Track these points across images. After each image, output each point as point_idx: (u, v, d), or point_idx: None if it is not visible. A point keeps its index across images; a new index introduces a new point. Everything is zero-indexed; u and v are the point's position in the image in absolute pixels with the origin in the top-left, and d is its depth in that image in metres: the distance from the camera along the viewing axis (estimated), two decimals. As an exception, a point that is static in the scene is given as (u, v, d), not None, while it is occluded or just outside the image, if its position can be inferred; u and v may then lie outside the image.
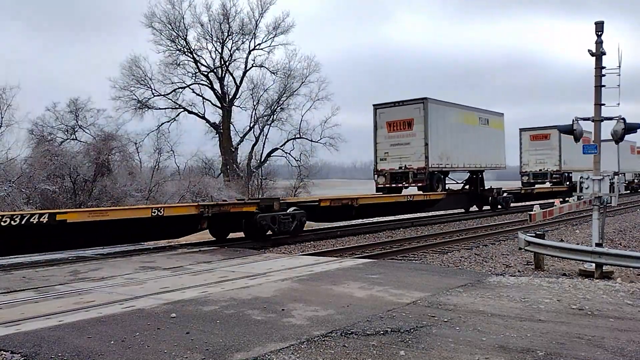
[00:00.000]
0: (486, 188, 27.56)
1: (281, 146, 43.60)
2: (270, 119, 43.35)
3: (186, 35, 40.29)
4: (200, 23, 40.59)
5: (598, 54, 11.69)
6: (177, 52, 40.50)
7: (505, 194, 28.12)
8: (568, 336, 5.07)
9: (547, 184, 35.44)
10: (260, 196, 35.89)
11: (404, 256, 12.94)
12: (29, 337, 5.07)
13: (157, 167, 33.57)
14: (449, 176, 25.80)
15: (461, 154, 24.83)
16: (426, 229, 19.84)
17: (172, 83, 40.54)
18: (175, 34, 39.95)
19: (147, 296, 6.97)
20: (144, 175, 30.49)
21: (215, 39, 41.01)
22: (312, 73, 43.71)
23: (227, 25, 40.96)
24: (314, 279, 8.09)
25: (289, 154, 43.64)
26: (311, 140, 43.16)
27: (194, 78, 41.33)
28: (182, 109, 41.28)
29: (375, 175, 23.99)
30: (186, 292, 7.20)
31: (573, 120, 11.92)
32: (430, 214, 25.18)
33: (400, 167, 23.16)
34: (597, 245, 10.54)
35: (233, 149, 41.86)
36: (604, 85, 11.75)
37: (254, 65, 42.71)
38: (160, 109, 41.07)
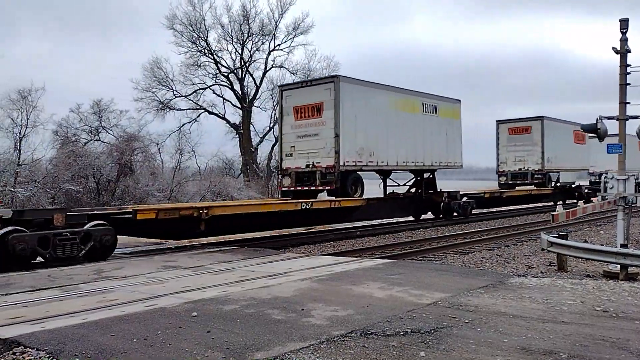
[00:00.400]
0: (437, 191, 22.07)
1: (301, 146, 43.59)
2: (290, 119, 43.39)
3: (207, 37, 40.59)
4: (220, 24, 40.86)
5: (623, 52, 11.49)
6: (198, 53, 40.82)
7: (464, 199, 22.83)
8: (592, 338, 4.99)
9: (531, 186, 30.44)
10: (279, 197, 35.99)
11: (424, 256, 12.87)
12: (54, 334, 5.16)
13: (178, 167, 33.85)
14: (390, 177, 21.16)
15: (395, 150, 19.34)
16: (447, 229, 19.68)
17: (193, 84, 40.87)
18: (196, 35, 40.28)
19: (169, 295, 7.04)
20: (166, 175, 30.84)
21: (235, 40, 41.26)
22: (332, 73, 43.70)
23: (247, 26, 41.17)
24: (333, 279, 8.09)
25: (309, 154, 43.60)
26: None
27: (214, 79, 41.63)
28: (203, 110, 41.59)
29: (280, 176, 18.74)
30: (207, 291, 7.26)
31: (597, 119, 11.72)
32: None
33: (307, 165, 17.67)
34: (622, 246, 10.35)
35: (253, 149, 42.05)
36: (629, 84, 11.53)
37: (274, 65, 42.83)
38: (181, 109, 41.44)
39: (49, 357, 4.52)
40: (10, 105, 30.80)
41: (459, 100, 23.33)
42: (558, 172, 31.08)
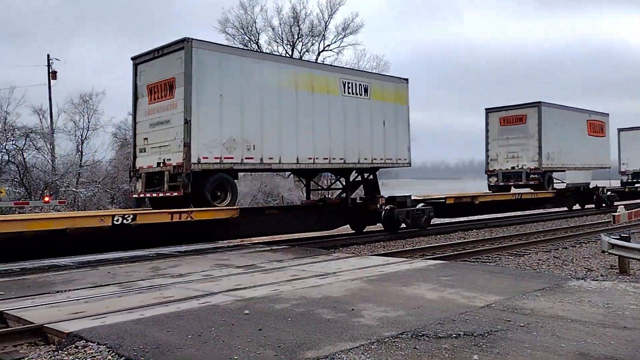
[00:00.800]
0: (374, 197, 17.16)
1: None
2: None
3: (258, 39, 41.24)
4: (271, 27, 41.44)
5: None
6: (249, 55, 41.49)
7: (420, 206, 17.80)
8: (657, 346, 4.75)
9: (526, 188, 24.66)
10: (331, 197, 35.99)
11: (477, 258, 12.60)
12: (113, 329, 5.37)
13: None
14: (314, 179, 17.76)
15: (295, 143, 14.41)
16: (501, 230, 19.20)
17: (245, 86, 41.55)
18: (247, 38, 41.01)
19: (222, 293, 7.19)
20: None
21: (285, 41, 41.74)
22: (382, 72, 43.48)
23: (297, 28, 41.57)
24: (383, 280, 8.04)
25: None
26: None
27: (265, 81, 42.20)
28: (255, 111, 42.25)
29: (131, 179, 14.31)
30: (258, 289, 7.36)
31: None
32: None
33: (158, 164, 13.21)
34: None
35: (303, 150, 42.38)
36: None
37: (323, 66, 43.02)
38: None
39: (108, 351, 4.71)
40: (72, 110, 32.34)
41: (406, 80, 17.83)
42: (564, 171, 25.70)
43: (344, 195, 17.33)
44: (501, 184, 24.90)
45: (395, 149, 17.30)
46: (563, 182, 25.49)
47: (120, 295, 7.31)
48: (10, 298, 7.22)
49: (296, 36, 41.63)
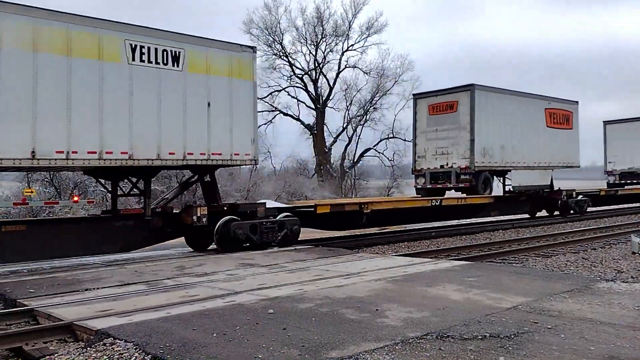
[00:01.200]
0: (194, 206, 12.32)
1: (374, 146, 43.57)
2: (363, 119, 43.48)
3: (282, 40, 41.41)
4: (295, 27, 41.58)
5: None
6: (274, 56, 41.71)
7: (280, 217, 13.06)
8: (691, 350, 4.62)
9: (459, 192, 19.89)
10: (353, 196, 36.05)
11: (503, 259, 12.44)
12: (140, 327, 5.45)
13: (254, 167, 34.76)
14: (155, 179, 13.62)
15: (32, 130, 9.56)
16: (527, 230, 18.91)
17: (269, 86, 41.82)
18: (271, 38, 41.21)
19: (246, 292, 7.24)
20: (243, 175, 31.73)
21: (309, 42, 41.83)
22: (406, 72, 43.28)
23: (321, 28, 41.63)
24: (408, 280, 8.00)
25: (382, 153, 43.51)
26: (405, 140, 42.64)
27: (289, 81, 42.40)
28: (278, 112, 42.45)
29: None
30: (282, 289, 7.39)
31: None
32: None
33: None
34: None
35: (327, 150, 42.43)
36: None
37: (347, 66, 43.02)
38: (257, 112, 42.57)
39: (136, 349, 4.78)
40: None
41: (252, 49, 13.21)
42: (509, 170, 20.95)
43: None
44: (428, 186, 20.16)
45: (228, 140, 12.47)
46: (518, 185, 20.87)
47: (147, 293, 7.42)
48: (41, 295, 7.39)
49: (320, 36, 41.70)
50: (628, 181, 28.52)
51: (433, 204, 17.16)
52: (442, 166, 20.10)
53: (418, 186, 20.89)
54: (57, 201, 24.37)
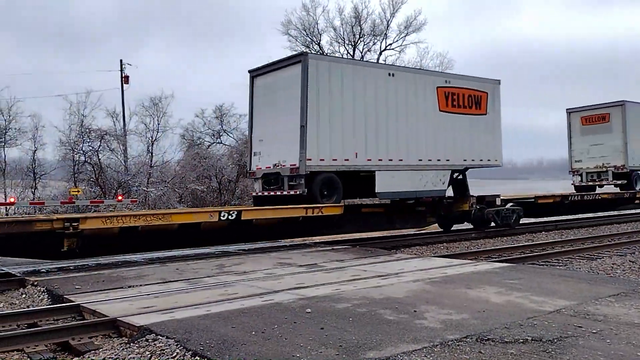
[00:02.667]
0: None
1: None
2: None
3: (319, 40, 41.48)
4: (332, 27, 41.57)
5: None
6: (311, 56, 41.83)
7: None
8: None
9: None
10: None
11: (546, 261, 12.13)
12: (181, 324, 5.56)
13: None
14: None
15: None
16: (572, 232, 18.39)
17: (305, 87, 41.93)
18: (309, 39, 41.33)
19: (284, 291, 7.30)
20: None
21: (347, 41, 41.76)
22: (445, 70, 42.69)
23: (359, 28, 41.48)
24: (447, 282, 7.90)
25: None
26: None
27: (326, 81, 42.42)
28: (315, 112, 42.54)
29: None
30: (320, 288, 7.42)
31: None
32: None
33: None
34: None
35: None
36: None
37: (384, 65, 42.70)
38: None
39: (177, 345, 4.88)
40: (143, 112, 33.79)
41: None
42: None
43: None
44: (262, 194, 14.70)
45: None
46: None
47: (188, 291, 7.56)
48: (87, 292, 7.64)
49: (358, 36, 41.56)
50: (597, 183, 24.52)
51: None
52: (274, 164, 14.40)
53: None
54: (102, 200, 25.10)
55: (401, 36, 41.93)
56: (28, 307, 7.55)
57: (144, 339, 5.19)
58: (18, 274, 9.52)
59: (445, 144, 16.18)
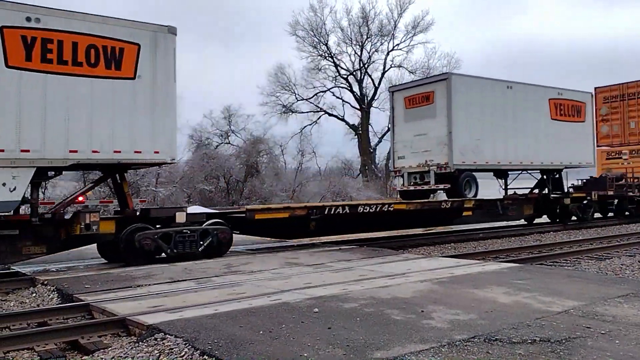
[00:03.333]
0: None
1: (419, 146, 42.92)
2: (409, 119, 42.94)
3: (327, 41, 41.57)
4: (340, 28, 41.66)
5: None
6: (319, 57, 41.95)
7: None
8: None
9: None
10: (398, 197, 35.61)
11: (554, 262, 12.07)
12: (190, 323, 5.60)
13: (300, 168, 35.04)
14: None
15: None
16: (580, 232, 18.29)
17: (314, 87, 42.09)
18: (317, 40, 41.44)
19: (292, 290, 7.32)
20: (288, 176, 32.04)
21: (354, 42, 41.81)
22: (452, 70, 42.59)
23: (367, 28, 41.54)
24: (454, 282, 7.89)
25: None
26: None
27: (334, 82, 42.53)
28: (323, 112, 42.63)
29: None
30: (327, 288, 7.43)
31: None
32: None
33: None
34: None
35: (371, 150, 42.30)
36: None
37: (393, 65, 42.74)
38: (303, 112, 42.83)
39: (185, 344, 4.91)
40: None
41: None
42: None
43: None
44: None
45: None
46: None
47: (196, 290, 7.60)
48: (96, 291, 7.70)
49: (365, 36, 41.60)
50: (418, 188, 17.40)
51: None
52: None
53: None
54: (112, 200, 25.24)
55: (409, 36, 42.00)
56: (38, 306, 7.63)
57: (153, 338, 5.23)
58: (28, 273, 9.62)
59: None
